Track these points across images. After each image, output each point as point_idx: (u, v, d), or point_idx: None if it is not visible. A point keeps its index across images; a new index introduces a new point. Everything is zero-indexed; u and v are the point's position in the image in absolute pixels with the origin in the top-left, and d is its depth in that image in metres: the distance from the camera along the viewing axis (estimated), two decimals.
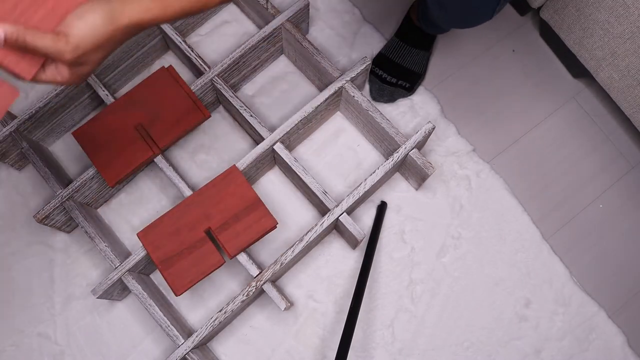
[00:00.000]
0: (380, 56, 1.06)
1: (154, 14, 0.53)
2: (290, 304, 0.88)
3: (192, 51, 0.97)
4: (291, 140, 0.97)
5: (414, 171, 0.96)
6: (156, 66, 1.08)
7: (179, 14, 0.55)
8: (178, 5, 0.54)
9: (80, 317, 0.97)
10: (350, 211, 0.93)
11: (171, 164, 0.93)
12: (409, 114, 1.06)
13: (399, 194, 1.02)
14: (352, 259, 0.99)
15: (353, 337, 0.86)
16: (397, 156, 0.91)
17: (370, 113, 0.93)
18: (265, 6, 0.99)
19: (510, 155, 1.06)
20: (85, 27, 0.50)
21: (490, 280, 0.98)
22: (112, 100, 0.95)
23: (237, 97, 0.95)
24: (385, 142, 0.97)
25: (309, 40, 0.97)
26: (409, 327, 0.96)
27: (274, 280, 0.92)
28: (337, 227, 0.95)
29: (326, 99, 0.94)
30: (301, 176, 0.91)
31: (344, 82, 0.94)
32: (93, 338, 0.96)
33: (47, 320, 0.97)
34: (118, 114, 0.92)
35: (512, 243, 1.00)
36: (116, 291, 0.92)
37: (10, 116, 0.99)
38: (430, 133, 0.92)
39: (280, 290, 0.91)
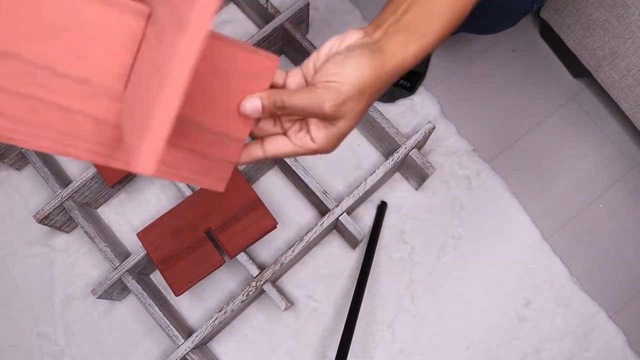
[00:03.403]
0: None
1: (416, 49, 0.45)
2: (290, 304, 0.88)
3: None
4: None
5: (414, 171, 0.96)
6: None
7: (439, 38, 0.46)
8: (438, 26, 0.45)
9: (80, 317, 0.97)
10: (350, 211, 0.92)
11: None
12: (409, 113, 1.05)
13: (399, 194, 1.01)
14: (352, 259, 0.98)
15: (353, 337, 0.86)
16: (397, 156, 0.91)
17: (370, 113, 0.93)
18: (265, 6, 0.99)
19: (510, 155, 1.06)
20: (350, 69, 0.43)
21: (490, 280, 0.98)
22: None
23: None
24: (385, 142, 0.97)
25: (309, 40, 0.97)
26: (409, 327, 0.96)
27: (274, 280, 0.92)
28: (337, 227, 0.95)
29: None
30: (301, 176, 0.91)
31: None
32: (93, 338, 0.96)
33: (47, 320, 0.97)
34: None
35: (512, 243, 1.00)
36: (116, 291, 0.92)
37: None
38: (430, 133, 0.92)
39: (280, 290, 0.91)
